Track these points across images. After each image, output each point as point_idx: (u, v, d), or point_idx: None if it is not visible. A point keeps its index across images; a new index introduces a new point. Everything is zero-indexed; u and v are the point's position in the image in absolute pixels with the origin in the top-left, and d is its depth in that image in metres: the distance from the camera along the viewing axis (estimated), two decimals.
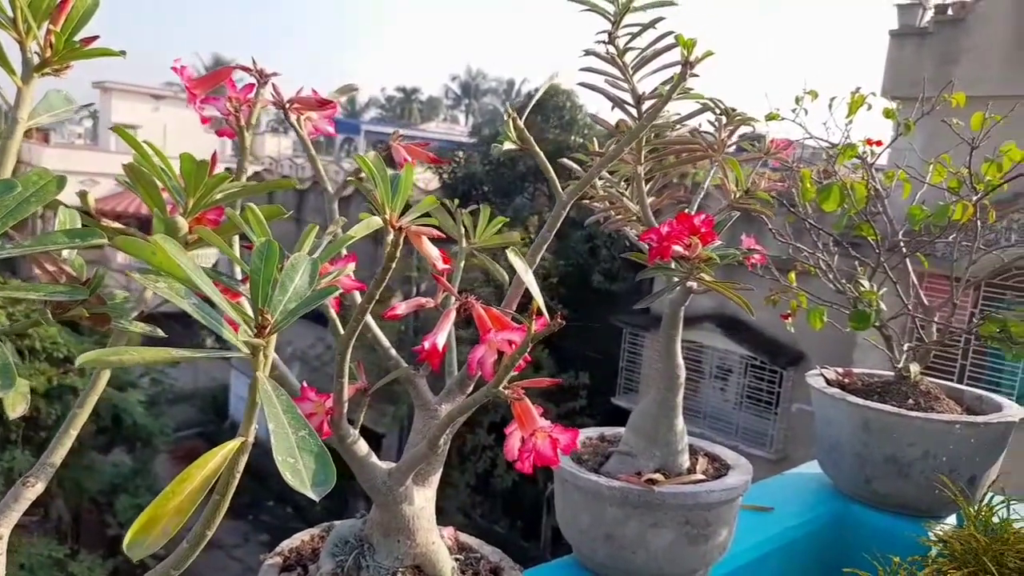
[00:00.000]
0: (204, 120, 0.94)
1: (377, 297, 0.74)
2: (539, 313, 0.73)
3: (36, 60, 0.62)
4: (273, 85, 1.04)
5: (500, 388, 0.80)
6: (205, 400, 16.89)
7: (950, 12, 8.40)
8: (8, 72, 0.61)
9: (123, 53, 0.62)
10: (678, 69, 1.00)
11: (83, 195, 0.78)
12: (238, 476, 0.64)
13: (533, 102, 1.00)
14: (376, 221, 0.72)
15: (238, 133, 0.93)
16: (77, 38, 0.62)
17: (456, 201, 1.11)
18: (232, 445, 0.60)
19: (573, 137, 13.22)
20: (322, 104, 1.04)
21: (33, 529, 10.98)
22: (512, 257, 0.72)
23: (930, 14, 8.60)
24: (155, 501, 0.56)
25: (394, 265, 0.71)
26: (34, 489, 0.71)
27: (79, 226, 0.63)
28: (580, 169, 1.21)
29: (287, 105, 1.03)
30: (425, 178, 18.99)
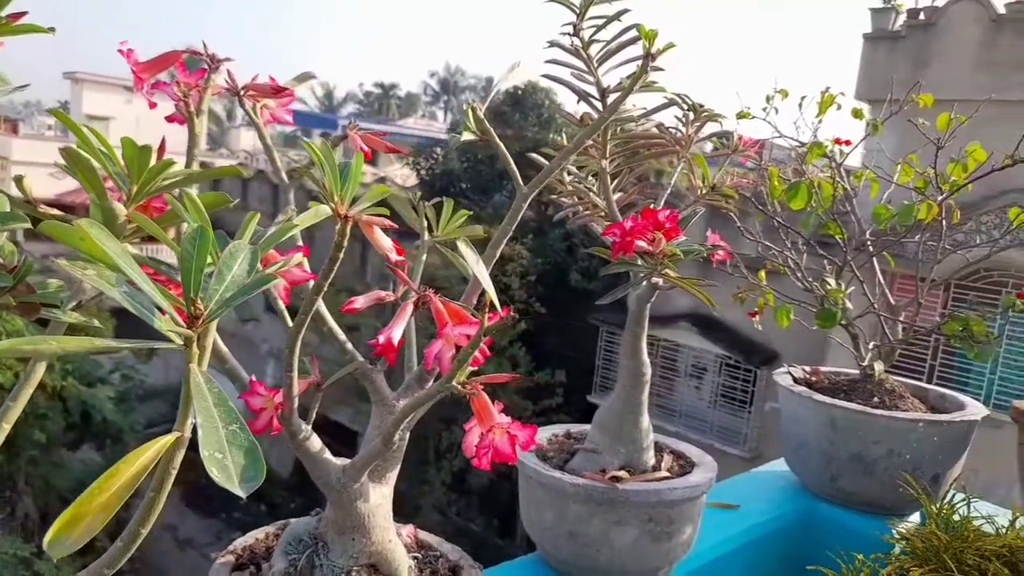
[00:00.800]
0: (152, 105, 0.91)
1: (325, 288, 0.72)
2: (492, 307, 0.71)
3: None
4: (228, 71, 1.01)
5: (454, 383, 0.78)
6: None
7: (922, 16, 8.51)
8: None
9: (52, 30, 0.60)
10: (653, 62, 0.98)
11: (19, 180, 0.75)
12: (174, 472, 0.62)
13: (493, 93, 0.98)
14: (324, 210, 0.70)
15: (187, 119, 0.90)
16: (3, 13, 0.59)
17: (417, 195, 1.09)
18: (165, 440, 0.58)
19: (552, 135, 13.20)
20: (278, 91, 1.01)
21: None
22: (462, 248, 0.70)
23: (903, 18, 8.70)
24: (80, 498, 0.53)
25: (342, 255, 0.69)
26: None
27: (6, 209, 0.60)
28: (548, 164, 1.20)
29: (241, 92, 1.00)
30: (403, 174, 18.90)
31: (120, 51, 0.87)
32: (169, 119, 0.94)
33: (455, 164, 14.19)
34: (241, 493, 0.47)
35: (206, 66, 0.93)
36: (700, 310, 10.56)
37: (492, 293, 0.67)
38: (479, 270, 0.71)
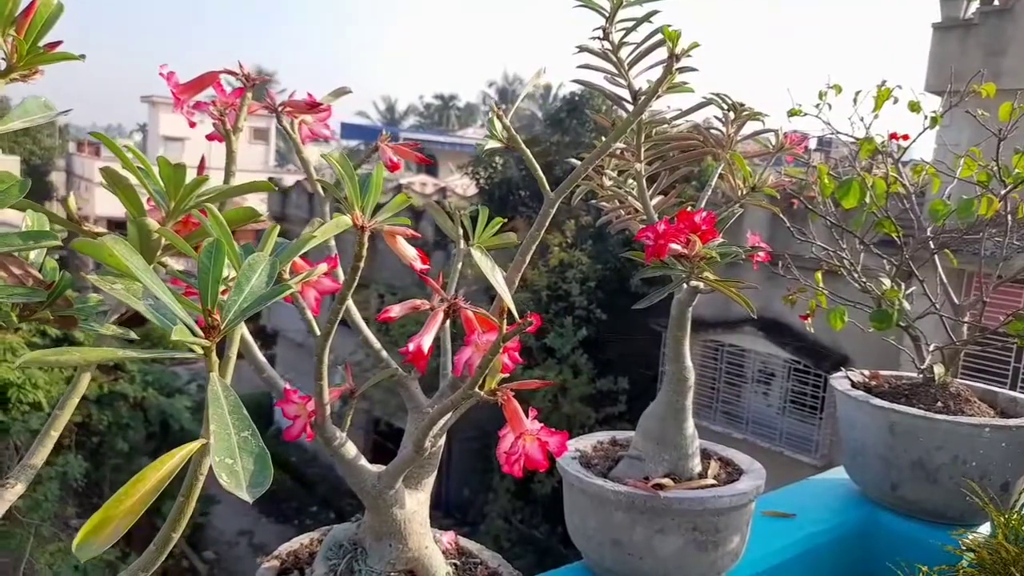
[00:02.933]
0: (191, 124, 0.95)
1: (348, 297, 0.74)
2: (511, 316, 0.71)
3: (2, 66, 0.63)
4: (267, 90, 1.05)
5: (481, 391, 0.79)
6: (249, 406, 17.05)
7: (996, 2, 8.12)
8: None
9: (82, 57, 0.63)
10: (678, 63, 0.97)
11: (64, 200, 0.79)
12: (202, 478, 0.64)
13: (520, 100, 0.98)
14: (345, 221, 0.71)
15: (224, 137, 0.94)
16: (41, 43, 0.63)
17: (452, 206, 1.10)
18: (191, 447, 0.60)
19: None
20: (313, 107, 1.04)
21: None
22: (477, 256, 0.71)
23: (975, 5, 8.32)
24: (108, 503, 0.56)
25: (362, 265, 0.71)
26: (13, 491, 0.72)
27: (44, 228, 0.64)
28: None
29: (279, 109, 1.04)
30: (463, 184, 19.08)
31: (161, 74, 0.91)
32: (209, 138, 0.98)
33: (513, 172, 14.25)
34: (248, 498, 0.48)
35: (242, 84, 0.96)
36: (765, 313, 10.29)
37: (508, 300, 0.67)
38: (495, 277, 0.71)
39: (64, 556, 10.20)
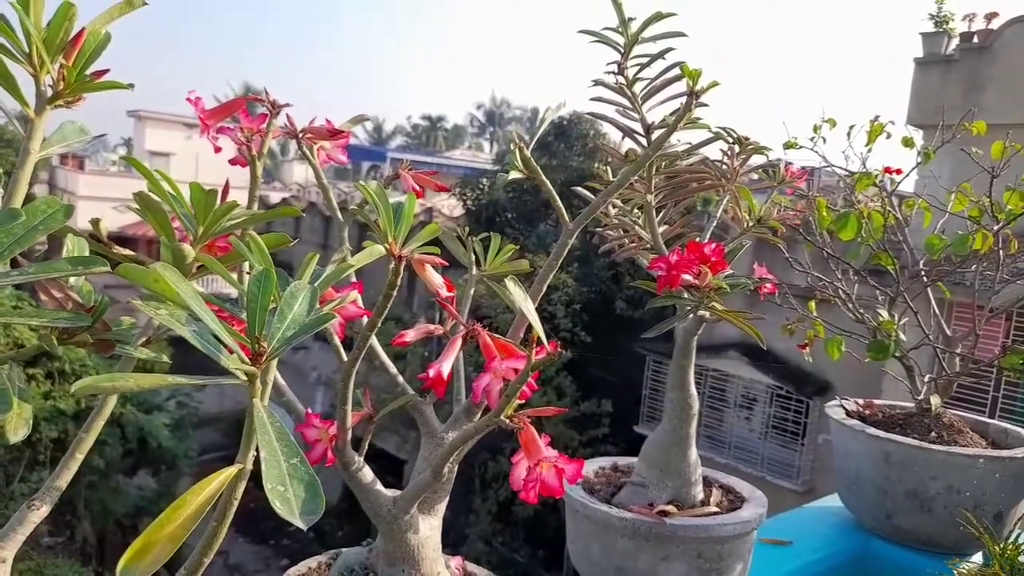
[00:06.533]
0: (217, 149, 0.96)
1: (379, 325, 0.75)
2: (539, 342, 0.72)
3: (49, 93, 0.64)
4: (287, 115, 1.06)
5: (501, 417, 0.79)
6: (230, 424, 17.01)
7: (975, 40, 8.33)
8: (22, 105, 0.63)
9: (131, 86, 0.64)
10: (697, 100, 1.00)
11: (95, 223, 0.80)
12: (236, 503, 0.65)
13: (540, 133, 1.01)
14: (379, 249, 0.73)
15: (250, 162, 0.95)
16: (88, 71, 0.64)
17: (466, 229, 1.11)
18: (229, 472, 0.60)
19: (597, 164, 13.27)
20: (334, 134, 1.06)
21: (59, 551, 11.08)
22: (510, 285, 0.72)
23: (955, 42, 8.53)
24: (149, 527, 0.56)
25: (395, 293, 0.72)
26: (39, 512, 0.72)
27: (86, 254, 0.65)
28: (593, 197, 1.22)
29: (300, 135, 1.05)
30: (450, 204, 19.14)
31: (188, 99, 0.93)
32: (232, 162, 0.99)
33: (500, 194, 14.33)
34: (302, 525, 0.49)
35: (267, 111, 0.97)
36: (749, 339, 10.34)
37: (539, 329, 0.69)
38: (527, 307, 0.73)
39: (34, 575, 9.97)
